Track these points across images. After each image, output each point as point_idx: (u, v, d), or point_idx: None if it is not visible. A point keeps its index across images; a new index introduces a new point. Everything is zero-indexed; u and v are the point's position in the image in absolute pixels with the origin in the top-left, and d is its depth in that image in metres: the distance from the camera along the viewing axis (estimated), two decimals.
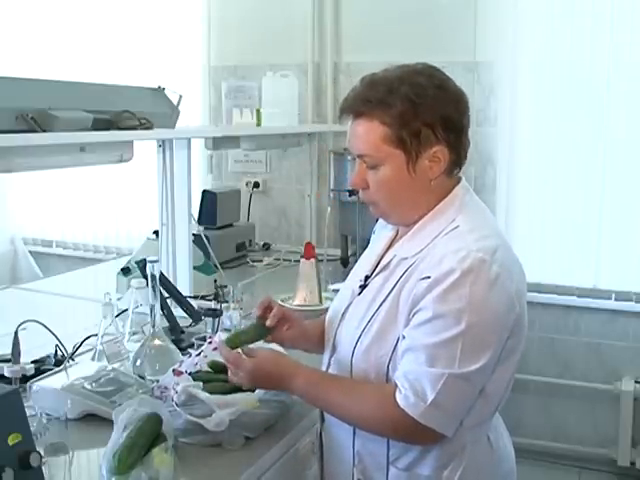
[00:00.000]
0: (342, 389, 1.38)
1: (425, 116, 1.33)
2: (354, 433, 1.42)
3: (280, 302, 2.40)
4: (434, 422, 1.27)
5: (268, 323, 1.51)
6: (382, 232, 1.54)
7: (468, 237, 1.31)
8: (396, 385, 1.29)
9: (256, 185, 3.53)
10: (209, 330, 2.01)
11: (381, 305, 1.37)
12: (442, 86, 1.36)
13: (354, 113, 1.37)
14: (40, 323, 1.68)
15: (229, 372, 1.45)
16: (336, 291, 1.60)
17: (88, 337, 1.85)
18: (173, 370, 1.56)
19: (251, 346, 1.49)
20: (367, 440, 1.40)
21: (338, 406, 1.38)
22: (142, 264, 1.89)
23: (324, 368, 1.50)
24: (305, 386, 1.40)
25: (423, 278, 1.30)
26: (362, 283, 1.45)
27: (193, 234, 2.51)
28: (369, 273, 1.46)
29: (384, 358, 1.34)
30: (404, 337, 1.31)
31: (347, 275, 1.57)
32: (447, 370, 1.25)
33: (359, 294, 1.45)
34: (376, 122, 1.34)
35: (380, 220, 1.57)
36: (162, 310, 1.88)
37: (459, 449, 1.35)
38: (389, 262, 1.41)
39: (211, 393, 1.48)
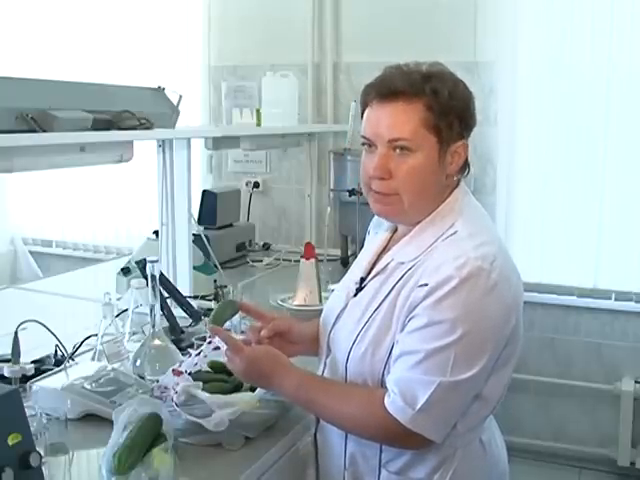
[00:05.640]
0: (332, 392, 1.37)
1: (457, 109, 1.34)
2: (346, 436, 1.41)
3: (280, 302, 2.41)
4: (422, 428, 1.26)
5: (263, 334, 1.51)
6: (377, 232, 1.52)
7: (467, 243, 1.30)
8: (386, 389, 1.29)
9: (256, 185, 3.53)
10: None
11: (377, 309, 1.36)
12: (466, 85, 1.39)
13: (396, 94, 1.32)
14: (40, 323, 1.68)
15: (225, 356, 1.44)
16: None
17: (88, 337, 1.85)
18: (173, 370, 1.56)
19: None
20: (359, 443, 1.39)
21: (328, 409, 1.37)
22: (142, 264, 1.89)
23: (320, 370, 1.49)
24: (296, 388, 1.39)
25: (421, 285, 1.28)
26: (358, 285, 1.44)
27: (193, 234, 2.50)
28: (364, 275, 1.44)
29: (379, 363, 1.33)
30: (398, 342, 1.30)
31: None
32: (439, 378, 1.24)
33: (354, 296, 1.44)
34: (419, 105, 1.31)
35: (374, 219, 1.55)
36: (162, 310, 1.87)
37: (451, 452, 1.34)
38: (386, 266, 1.39)
39: (211, 393, 1.48)
